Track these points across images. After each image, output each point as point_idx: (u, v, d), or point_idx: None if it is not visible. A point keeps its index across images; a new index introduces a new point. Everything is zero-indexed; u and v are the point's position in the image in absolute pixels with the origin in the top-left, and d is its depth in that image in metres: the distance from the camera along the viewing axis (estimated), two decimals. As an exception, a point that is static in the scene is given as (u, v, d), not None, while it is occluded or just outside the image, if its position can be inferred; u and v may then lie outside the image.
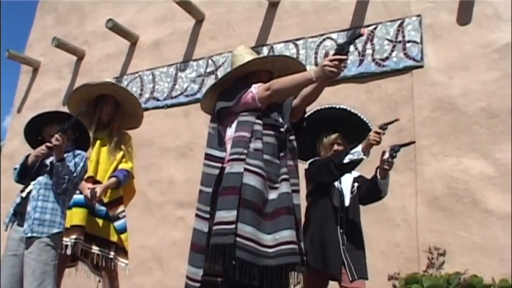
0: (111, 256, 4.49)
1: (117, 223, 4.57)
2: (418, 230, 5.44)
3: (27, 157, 3.94)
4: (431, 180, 5.53)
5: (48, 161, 3.92)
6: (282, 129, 3.24)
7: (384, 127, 3.72)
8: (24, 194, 3.88)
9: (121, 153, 4.67)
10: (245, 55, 3.53)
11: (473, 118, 5.51)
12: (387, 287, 5.10)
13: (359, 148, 3.64)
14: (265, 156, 3.12)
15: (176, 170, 7.17)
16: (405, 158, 5.65)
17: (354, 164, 3.67)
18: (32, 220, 3.73)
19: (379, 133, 3.63)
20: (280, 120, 3.28)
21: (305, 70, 3.41)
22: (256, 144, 3.12)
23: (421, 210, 5.49)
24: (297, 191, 3.22)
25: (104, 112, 4.67)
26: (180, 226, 6.75)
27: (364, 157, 3.63)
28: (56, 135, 3.76)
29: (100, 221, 4.49)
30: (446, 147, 5.56)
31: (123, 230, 4.59)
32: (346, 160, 3.63)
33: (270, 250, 2.94)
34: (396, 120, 3.80)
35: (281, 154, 3.21)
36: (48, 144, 3.84)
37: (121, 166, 4.66)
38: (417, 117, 5.74)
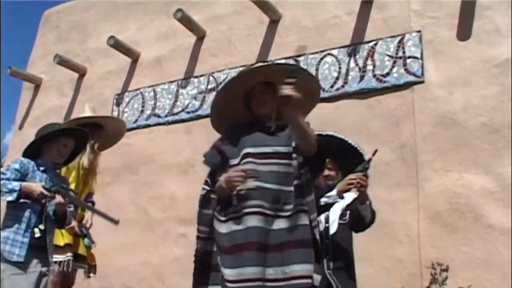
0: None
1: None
2: (420, 246, 5.42)
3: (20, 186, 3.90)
4: (433, 196, 5.52)
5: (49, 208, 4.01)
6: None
7: (364, 167, 3.51)
8: (42, 227, 3.92)
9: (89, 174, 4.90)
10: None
11: (474, 133, 5.51)
12: (389, 303, 5.08)
13: (334, 192, 3.59)
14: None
15: (177, 186, 7.16)
16: (407, 173, 5.65)
17: (329, 206, 3.65)
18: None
19: (355, 179, 3.49)
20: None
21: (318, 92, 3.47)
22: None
23: (423, 225, 5.48)
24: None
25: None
26: (181, 242, 6.72)
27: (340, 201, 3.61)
28: (63, 201, 3.89)
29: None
30: (447, 162, 5.55)
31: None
32: (321, 203, 3.59)
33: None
34: (375, 152, 3.52)
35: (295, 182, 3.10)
36: (47, 194, 3.87)
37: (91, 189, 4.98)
38: (419, 133, 5.74)
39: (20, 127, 9.28)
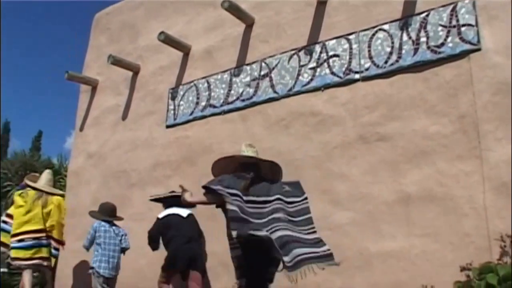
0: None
1: None
2: (487, 218, 5.26)
3: None
4: (497, 166, 5.34)
5: None
6: None
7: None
8: None
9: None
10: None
11: (537, 98, 5.30)
12: (459, 278, 4.96)
13: None
14: None
15: (237, 175, 7.17)
16: (469, 145, 5.50)
17: None
18: None
19: None
20: None
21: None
22: None
23: (489, 197, 5.31)
24: None
25: None
26: (245, 230, 6.76)
27: None
28: None
29: None
30: (510, 130, 5.36)
31: None
32: None
33: None
34: None
35: None
36: None
37: None
38: (478, 102, 5.56)
39: (81, 129, 9.51)
